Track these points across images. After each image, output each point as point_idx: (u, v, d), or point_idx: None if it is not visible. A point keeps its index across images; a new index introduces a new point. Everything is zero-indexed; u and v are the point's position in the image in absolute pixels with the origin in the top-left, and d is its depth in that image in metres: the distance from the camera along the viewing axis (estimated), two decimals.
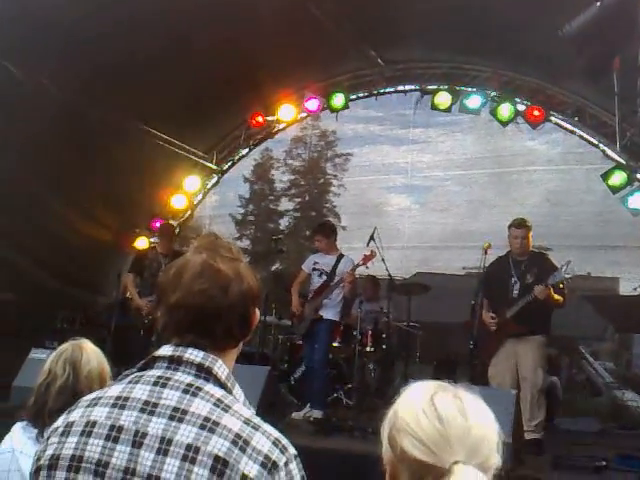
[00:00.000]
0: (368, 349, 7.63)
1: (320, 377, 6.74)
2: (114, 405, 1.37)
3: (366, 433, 5.50)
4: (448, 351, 9.15)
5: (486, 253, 6.21)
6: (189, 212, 10.61)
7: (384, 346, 7.81)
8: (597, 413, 8.04)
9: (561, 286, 5.65)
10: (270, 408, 4.98)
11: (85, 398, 1.45)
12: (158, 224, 9.06)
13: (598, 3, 4.21)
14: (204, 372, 1.39)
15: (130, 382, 1.41)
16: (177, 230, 9.59)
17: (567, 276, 5.55)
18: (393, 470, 1.21)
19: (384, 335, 7.84)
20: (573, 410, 8.02)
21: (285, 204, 19.80)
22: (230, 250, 1.49)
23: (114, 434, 1.33)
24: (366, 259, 6.81)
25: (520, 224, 5.97)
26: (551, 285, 5.57)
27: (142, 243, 9.40)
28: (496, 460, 1.17)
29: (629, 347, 12.31)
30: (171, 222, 9.52)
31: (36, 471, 1.39)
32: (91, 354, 2.43)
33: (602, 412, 8.12)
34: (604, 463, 4.98)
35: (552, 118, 8.22)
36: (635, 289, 9.61)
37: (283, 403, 7.08)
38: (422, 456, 1.13)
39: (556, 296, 5.64)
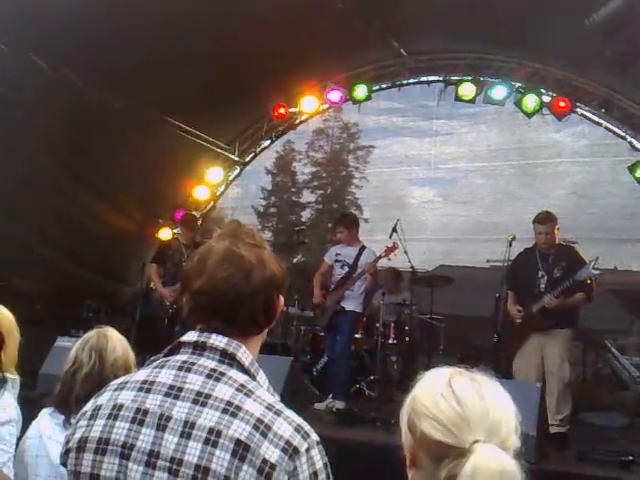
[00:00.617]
0: (390, 341, 7.62)
1: (342, 368, 6.75)
2: (140, 389, 1.39)
3: (388, 424, 5.49)
4: (472, 344, 9.09)
5: (510, 246, 6.15)
6: (211, 203, 10.67)
7: (407, 338, 7.79)
8: (623, 407, 7.93)
9: (589, 282, 5.56)
10: (292, 399, 5.00)
11: (113, 382, 1.47)
12: (180, 214, 9.13)
13: None
14: (228, 358, 1.41)
15: (156, 367, 1.43)
16: (199, 221, 9.64)
17: (595, 272, 5.46)
18: (413, 455, 1.22)
19: (407, 327, 7.82)
20: (599, 404, 7.92)
21: (307, 196, 19.80)
22: (253, 237, 1.50)
23: (140, 417, 1.35)
24: (388, 251, 6.79)
25: (544, 219, 5.85)
26: (578, 280, 5.49)
27: (165, 234, 9.47)
28: (515, 441, 1.18)
29: None
30: (193, 213, 9.57)
31: (65, 453, 1.42)
32: (116, 342, 2.46)
33: (628, 406, 8.00)
34: (630, 458, 4.92)
35: (578, 109, 8.11)
36: None
37: (305, 394, 7.10)
38: (442, 437, 1.15)
39: (579, 295, 5.57)
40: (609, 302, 9.65)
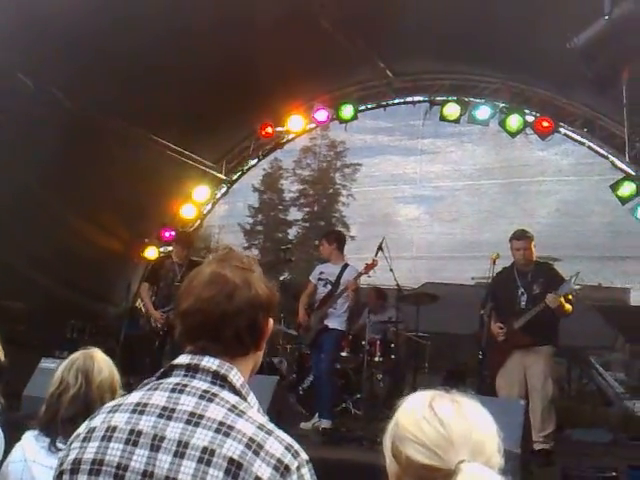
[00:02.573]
0: (377, 359, 7.62)
1: (328, 387, 6.74)
2: (134, 411, 1.42)
3: (375, 443, 5.48)
4: (457, 361, 9.13)
5: (494, 263, 6.20)
6: (198, 222, 10.65)
7: (393, 356, 7.80)
8: (608, 424, 7.98)
9: (570, 297, 5.63)
10: (279, 418, 4.99)
11: (106, 405, 1.50)
12: (173, 232, 9.08)
13: (607, 16, 4.23)
14: (219, 379, 1.44)
15: (149, 389, 1.46)
16: (192, 244, 9.61)
17: (576, 287, 5.54)
18: None
19: (393, 345, 7.83)
20: (583, 421, 7.97)
21: (294, 214, 19.88)
22: (241, 261, 1.54)
23: (133, 438, 1.38)
24: (368, 268, 6.82)
25: (520, 236, 5.97)
26: (561, 295, 5.56)
27: (152, 253, 9.44)
28: (499, 459, 1.19)
29: None
30: (187, 230, 9.55)
31: (59, 476, 1.44)
32: (102, 364, 2.45)
33: (613, 423, 8.06)
34: (614, 474, 4.95)
35: (561, 129, 8.23)
36: None
37: (292, 413, 7.08)
38: (427, 460, 1.15)
39: (567, 305, 5.63)
40: (593, 319, 9.74)
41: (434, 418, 1.19)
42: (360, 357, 7.43)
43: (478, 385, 6.19)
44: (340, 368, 7.57)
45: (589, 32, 4.45)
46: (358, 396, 7.59)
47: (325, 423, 6.46)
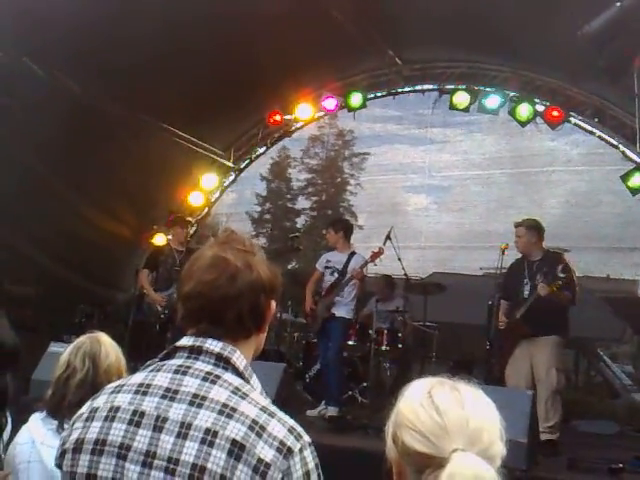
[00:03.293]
0: (384, 348, 7.62)
1: (334, 375, 6.75)
2: (137, 392, 1.42)
3: (381, 431, 5.46)
4: (465, 351, 9.12)
5: (503, 254, 6.20)
6: (206, 210, 10.67)
7: (400, 345, 7.80)
8: (614, 415, 7.97)
9: (558, 285, 5.54)
10: (285, 405, 5.00)
11: (109, 386, 1.50)
12: (171, 217, 9.09)
13: (618, 4, 4.19)
14: (223, 361, 1.44)
15: (152, 370, 1.46)
16: (192, 224, 9.63)
17: (561, 275, 5.49)
18: (398, 467, 1.24)
19: (400, 334, 7.83)
20: (590, 412, 7.97)
21: (302, 203, 19.88)
22: (243, 243, 1.54)
23: (136, 419, 1.38)
24: (374, 256, 6.82)
25: (518, 224, 6.00)
26: (550, 283, 5.51)
27: (160, 240, 9.46)
28: (500, 448, 1.18)
29: None
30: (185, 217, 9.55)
31: (61, 455, 1.45)
32: (109, 348, 2.46)
33: (619, 414, 8.05)
34: (620, 465, 4.94)
35: (571, 119, 8.17)
36: None
37: (298, 401, 7.11)
38: (422, 448, 1.15)
39: (562, 293, 5.58)
40: (601, 310, 9.69)
41: (431, 406, 1.19)
42: (367, 346, 7.45)
43: (485, 375, 6.20)
44: (347, 356, 7.59)
45: (600, 20, 4.41)
46: (365, 384, 7.61)
47: (332, 410, 6.48)
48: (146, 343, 6.99)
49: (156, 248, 8.31)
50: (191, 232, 10.76)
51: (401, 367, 7.94)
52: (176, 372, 1.43)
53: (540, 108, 8.05)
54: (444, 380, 1.26)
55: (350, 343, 7.53)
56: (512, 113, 8.03)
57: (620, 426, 7.46)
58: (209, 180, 9.99)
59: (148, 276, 7.54)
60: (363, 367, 7.75)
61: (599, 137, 8.35)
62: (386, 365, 7.87)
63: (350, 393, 7.60)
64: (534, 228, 5.95)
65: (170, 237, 8.15)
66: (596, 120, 8.11)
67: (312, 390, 7.59)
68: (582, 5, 5.07)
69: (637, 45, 4.56)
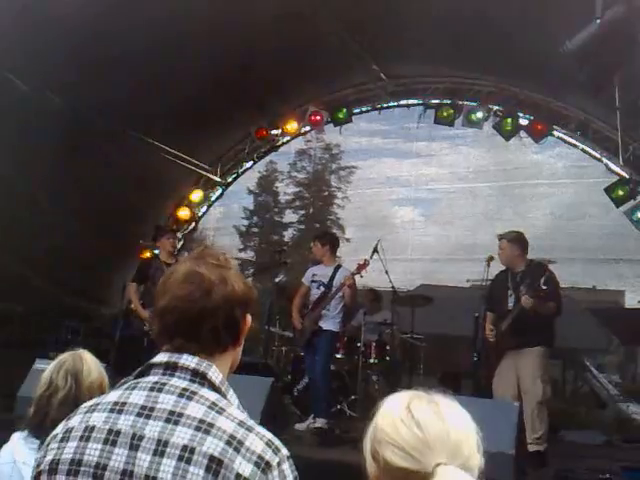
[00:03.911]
0: (372, 361, 7.63)
1: (322, 388, 6.74)
2: (112, 410, 1.41)
3: None
4: (452, 363, 9.13)
5: (489, 266, 6.23)
6: (193, 224, 10.67)
7: (388, 358, 7.81)
8: (602, 425, 8.00)
9: (544, 288, 5.54)
10: (273, 419, 4.99)
11: (84, 405, 1.49)
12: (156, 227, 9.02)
13: (598, 20, 4.26)
14: (199, 377, 1.43)
15: (127, 388, 1.46)
16: (178, 238, 9.58)
17: (543, 287, 5.51)
18: None
19: (388, 347, 7.84)
20: (577, 422, 7.99)
21: (289, 216, 19.85)
22: (217, 258, 1.54)
23: (112, 438, 1.37)
24: (360, 268, 6.82)
25: (501, 237, 6.06)
26: (534, 295, 5.52)
27: (147, 254, 9.42)
28: (478, 460, 1.19)
29: (635, 360, 12.26)
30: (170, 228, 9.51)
31: (36, 476, 1.43)
32: (92, 365, 2.45)
33: (607, 424, 8.08)
34: (608, 476, 4.97)
35: (555, 132, 8.27)
36: None
37: (286, 415, 7.08)
38: (405, 463, 1.15)
39: (546, 304, 5.59)
40: (587, 321, 9.76)
41: (411, 420, 1.19)
42: (355, 359, 7.45)
43: (473, 387, 6.21)
44: (335, 370, 7.57)
45: (581, 36, 4.47)
46: (353, 397, 7.60)
47: (320, 422, 6.46)
48: (134, 358, 6.94)
49: (144, 261, 8.19)
50: (178, 246, 10.77)
51: (389, 380, 7.94)
52: (152, 389, 1.42)
53: (524, 122, 8.15)
54: (420, 393, 1.26)
55: (338, 356, 7.54)
56: (496, 127, 8.13)
57: (608, 436, 7.49)
58: (196, 194, 10.00)
59: (136, 290, 7.44)
60: (351, 380, 7.74)
61: (582, 150, 8.45)
62: (374, 378, 7.86)
63: (339, 406, 7.59)
64: (517, 240, 5.99)
65: (157, 251, 8.08)
66: (579, 133, 8.22)
67: (301, 404, 7.56)
68: (563, 21, 5.15)
69: (617, 60, 4.64)
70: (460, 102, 8.38)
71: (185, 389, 1.41)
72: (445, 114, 8.30)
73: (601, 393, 9.55)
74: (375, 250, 7.24)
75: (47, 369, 2.46)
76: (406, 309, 8.13)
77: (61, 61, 6.68)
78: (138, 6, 6.55)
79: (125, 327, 7.50)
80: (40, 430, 2.33)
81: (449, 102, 8.41)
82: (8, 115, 6.83)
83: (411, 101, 9.16)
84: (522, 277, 5.86)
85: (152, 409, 1.39)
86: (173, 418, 1.36)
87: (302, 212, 20.07)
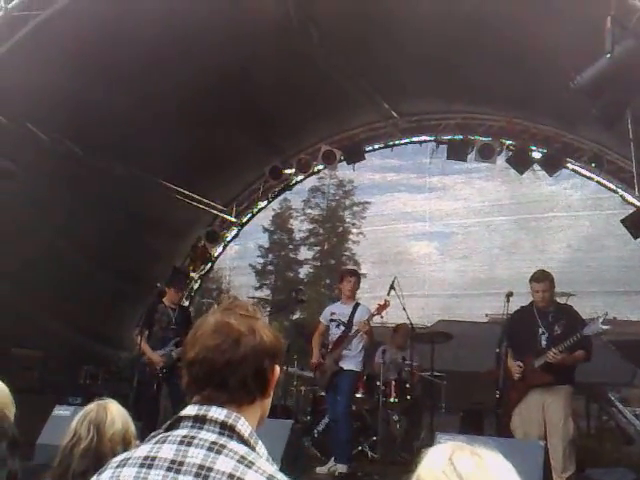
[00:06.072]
0: (392, 400, 7.51)
1: (344, 430, 6.64)
2: (142, 465, 1.41)
3: None
4: (474, 400, 8.97)
5: (508, 301, 6.15)
6: (209, 264, 10.70)
7: (408, 396, 7.68)
8: (630, 462, 7.77)
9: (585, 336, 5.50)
10: (294, 463, 4.92)
11: (115, 459, 1.49)
12: (171, 273, 9.06)
13: (608, 55, 4.29)
14: (227, 430, 1.43)
15: (157, 442, 1.45)
16: (192, 280, 9.59)
17: (605, 327, 5.43)
18: None
19: (408, 385, 7.72)
20: (604, 460, 7.78)
21: (304, 253, 19.92)
22: (246, 309, 1.55)
23: None
24: (380, 309, 6.76)
25: (540, 278, 5.90)
26: (585, 336, 5.47)
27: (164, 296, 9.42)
28: None
29: None
30: (183, 275, 9.54)
31: None
32: (116, 415, 2.43)
33: (635, 461, 7.86)
34: None
35: (569, 165, 8.26)
36: None
37: (307, 457, 6.98)
38: None
39: (580, 353, 5.54)
40: (610, 354, 9.58)
41: (453, 473, 1.17)
42: (375, 398, 7.34)
43: (496, 425, 6.09)
44: (355, 410, 7.47)
45: (592, 70, 4.50)
46: (374, 438, 7.47)
47: (341, 467, 6.35)
48: (151, 403, 6.90)
49: (150, 306, 8.21)
50: (195, 287, 10.77)
51: (411, 419, 7.81)
52: (181, 443, 1.41)
53: (537, 155, 8.15)
54: (463, 445, 1.25)
55: (358, 396, 7.43)
56: (509, 161, 8.14)
57: (636, 473, 7.28)
58: (212, 235, 10.05)
59: (144, 335, 7.43)
60: (372, 420, 7.63)
61: (597, 182, 8.42)
62: (395, 417, 7.74)
63: (359, 448, 7.46)
64: (553, 281, 5.94)
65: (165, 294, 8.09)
66: (594, 165, 8.19)
67: (321, 445, 7.45)
68: (574, 56, 5.19)
69: (629, 93, 4.65)
70: (472, 137, 8.42)
71: (214, 442, 1.40)
72: (457, 150, 8.33)
73: (628, 428, 9.31)
74: (392, 287, 7.18)
75: (74, 419, 2.45)
76: (425, 346, 8.03)
77: (77, 110, 6.81)
78: (150, 51, 6.69)
79: (143, 371, 7.48)
80: None
81: (461, 137, 8.45)
82: (26, 164, 6.95)
83: (423, 137, 9.22)
84: (554, 316, 5.79)
85: (182, 463, 1.38)
86: (203, 472, 1.36)
87: (317, 249, 20.13)
